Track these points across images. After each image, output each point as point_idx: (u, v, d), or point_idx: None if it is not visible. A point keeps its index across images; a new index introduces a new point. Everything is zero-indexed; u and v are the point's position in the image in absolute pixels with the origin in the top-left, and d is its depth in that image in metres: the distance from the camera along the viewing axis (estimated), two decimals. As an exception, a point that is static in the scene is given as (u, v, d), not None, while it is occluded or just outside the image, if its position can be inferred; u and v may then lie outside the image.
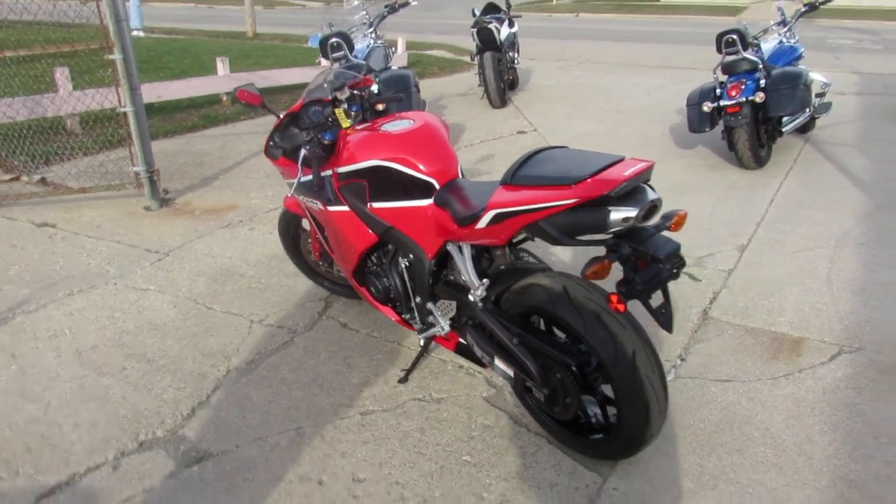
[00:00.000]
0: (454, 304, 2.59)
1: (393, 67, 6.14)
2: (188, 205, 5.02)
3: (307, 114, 2.93)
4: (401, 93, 4.96)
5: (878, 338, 3.10)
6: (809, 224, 4.42)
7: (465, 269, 2.42)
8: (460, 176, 2.56)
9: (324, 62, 5.61)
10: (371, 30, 6.31)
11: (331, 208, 2.78)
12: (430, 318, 2.68)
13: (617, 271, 2.00)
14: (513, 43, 8.53)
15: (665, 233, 2.04)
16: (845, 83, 8.83)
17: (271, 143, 3.01)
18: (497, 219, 2.15)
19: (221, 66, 7.84)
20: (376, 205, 2.60)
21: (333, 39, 5.15)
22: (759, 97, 5.23)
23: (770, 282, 3.66)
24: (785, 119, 5.61)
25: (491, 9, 8.47)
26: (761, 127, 5.59)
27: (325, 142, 2.72)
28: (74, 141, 6.31)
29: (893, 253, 3.96)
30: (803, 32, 6.26)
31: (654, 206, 1.96)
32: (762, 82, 5.33)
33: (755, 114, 5.40)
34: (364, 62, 5.32)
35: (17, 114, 5.68)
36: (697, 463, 2.39)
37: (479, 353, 2.49)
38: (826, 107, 6.06)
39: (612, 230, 1.95)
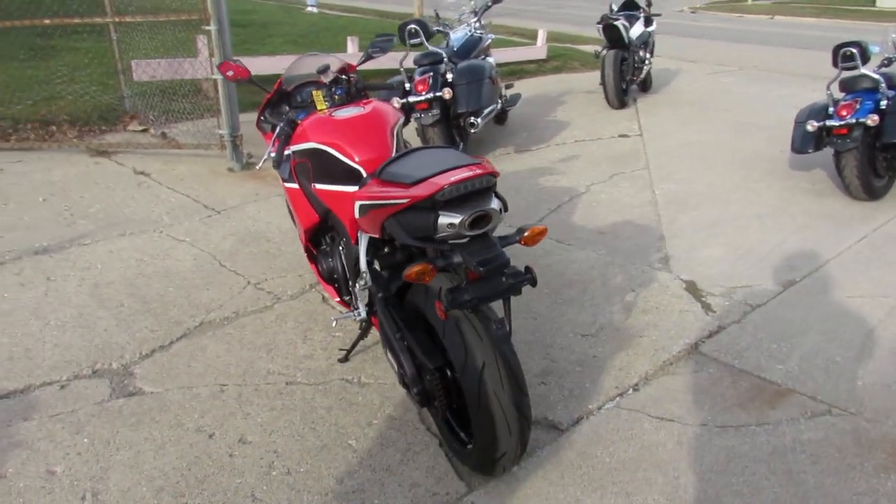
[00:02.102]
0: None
1: (488, 59, 6.12)
2: (266, 170, 5.40)
3: (300, 93, 3.08)
4: (472, 83, 4.99)
5: (889, 406, 2.70)
6: (889, 269, 3.87)
7: (360, 257, 2.45)
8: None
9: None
10: (475, 19, 6.34)
11: (286, 184, 2.92)
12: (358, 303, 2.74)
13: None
14: (646, 42, 8.12)
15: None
16: None
17: (262, 117, 3.19)
18: (363, 210, 2.16)
19: (351, 44, 8.23)
20: (318, 186, 2.69)
21: (411, 26, 5.26)
22: (873, 120, 4.60)
23: (794, 325, 3.28)
24: None
25: (628, 5, 8.12)
26: (880, 154, 4.93)
27: (297, 122, 2.85)
28: (206, 103, 6.98)
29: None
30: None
31: (483, 216, 1.88)
32: (882, 104, 4.69)
33: (869, 138, 4.76)
34: (440, 50, 5.37)
35: (160, 73, 6.40)
36: (575, 496, 2.26)
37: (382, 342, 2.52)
38: None
39: (441, 235, 1.90)
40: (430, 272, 1.90)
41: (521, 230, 2.00)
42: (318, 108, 2.94)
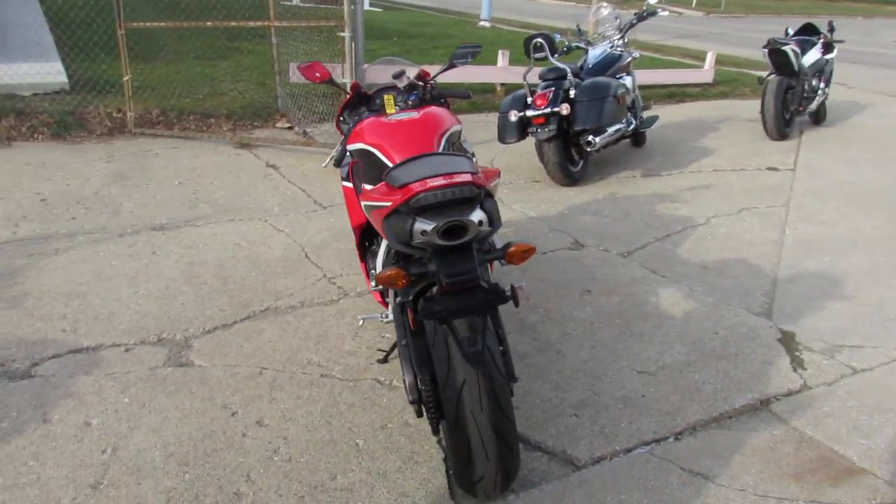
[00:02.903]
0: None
1: (624, 78, 5.88)
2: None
3: (379, 97, 3.15)
4: (594, 100, 4.83)
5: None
6: None
7: (378, 258, 2.44)
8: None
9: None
10: (619, 35, 6.12)
11: (343, 183, 2.98)
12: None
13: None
14: (821, 70, 7.40)
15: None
16: None
17: (340, 118, 3.30)
18: (367, 212, 2.15)
19: (502, 58, 8.30)
20: (366, 186, 2.73)
21: (536, 40, 5.17)
22: (565, 108, 4.98)
23: (899, 397, 2.83)
24: None
25: (807, 29, 7.46)
26: (574, 140, 5.26)
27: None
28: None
29: None
30: None
31: (458, 226, 1.79)
32: (571, 93, 5.13)
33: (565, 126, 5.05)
34: (564, 66, 5.23)
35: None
36: (565, 539, 2.10)
37: None
38: None
39: (416, 242, 1.84)
40: (402, 278, 1.84)
41: (507, 245, 1.90)
42: (388, 111, 2.99)
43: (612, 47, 6.03)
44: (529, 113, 5.08)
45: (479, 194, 1.81)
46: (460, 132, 2.82)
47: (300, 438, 2.48)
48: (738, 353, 3.12)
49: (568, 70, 5.17)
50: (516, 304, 1.93)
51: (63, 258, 3.77)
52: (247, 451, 2.40)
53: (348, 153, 2.87)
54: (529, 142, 5.42)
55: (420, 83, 3.12)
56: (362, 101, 3.22)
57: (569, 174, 5.32)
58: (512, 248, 1.88)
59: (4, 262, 3.69)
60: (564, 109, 4.97)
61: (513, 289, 1.91)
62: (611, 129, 5.36)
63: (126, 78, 6.35)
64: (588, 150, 5.23)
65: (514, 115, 5.08)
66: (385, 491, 2.25)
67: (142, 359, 2.91)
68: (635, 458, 2.44)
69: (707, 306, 3.54)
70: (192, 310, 3.31)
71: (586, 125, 5.04)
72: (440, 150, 2.56)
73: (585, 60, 5.96)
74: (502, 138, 5.23)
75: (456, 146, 2.78)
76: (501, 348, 2.21)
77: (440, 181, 1.79)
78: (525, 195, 5.19)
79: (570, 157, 5.39)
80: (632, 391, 2.81)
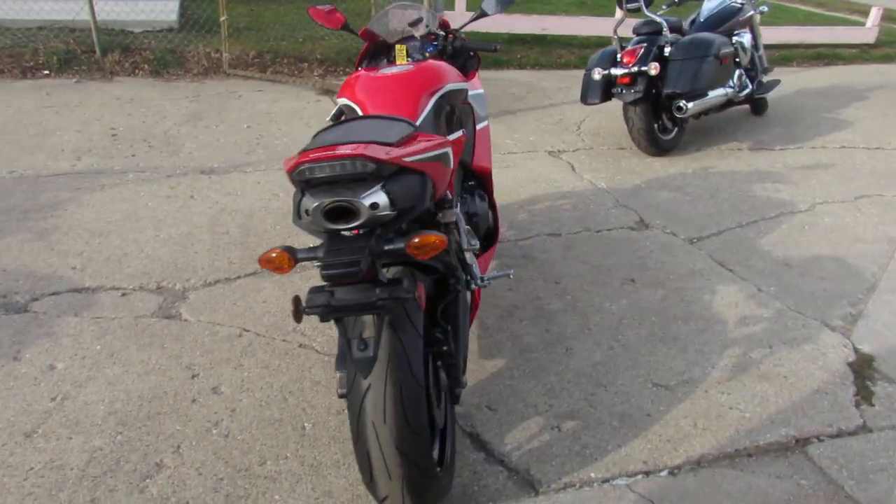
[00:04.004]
0: None
1: (741, 35, 5.13)
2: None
3: (394, 47, 2.84)
4: (689, 60, 4.25)
5: None
6: None
7: None
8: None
9: (618, 13, 5.02)
10: (742, -14, 5.33)
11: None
12: None
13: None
14: None
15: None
16: None
17: (358, 69, 3.01)
18: None
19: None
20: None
21: (632, -13, 4.56)
22: (655, 68, 4.35)
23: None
24: None
25: None
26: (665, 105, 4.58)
27: None
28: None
29: None
30: None
31: (345, 208, 1.47)
32: (666, 51, 4.50)
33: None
34: (660, 20, 4.59)
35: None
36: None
37: None
38: None
39: (304, 221, 1.55)
40: (287, 261, 1.56)
41: (411, 235, 1.56)
42: (398, 61, 2.67)
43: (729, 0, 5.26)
44: (615, 71, 4.54)
45: (377, 171, 1.47)
46: (464, 91, 2.46)
47: (248, 413, 2.31)
48: (788, 374, 2.60)
49: (664, 24, 4.55)
50: (420, 307, 1.61)
51: (105, 194, 3.81)
52: (189, 419, 2.27)
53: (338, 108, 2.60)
54: (618, 104, 4.88)
55: (441, 33, 2.76)
56: (381, 50, 2.91)
57: (656, 142, 4.74)
58: (415, 240, 1.54)
59: (51, 193, 3.79)
60: (653, 69, 4.39)
61: (420, 288, 1.58)
62: (711, 95, 4.70)
63: (222, 18, 6.38)
64: (678, 116, 4.61)
65: (597, 73, 4.57)
66: (310, 487, 2.03)
67: (133, 306, 2.86)
68: (609, 490, 2.06)
69: (772, 312, 2.99)
70: (203, 259, 3.22)
71: (677, 88, 4.43)
72: (426, 110, 2.22)
73: (699, 13, 5.26)
74: (584, 98, 4.73)
75: (457, 107, 2.42)
76: (446, 348, 1.91)
77: (320, 152, 1.48)
78: (601, 163, 4.69)
79: (661, 123, 4.80)
80: (636, 407, 2.40)
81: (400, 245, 1.54)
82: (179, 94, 5.79)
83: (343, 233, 1.54)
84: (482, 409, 2.36)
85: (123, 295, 2.93)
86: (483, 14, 2.86)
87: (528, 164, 4.62)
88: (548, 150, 4.92)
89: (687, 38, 4.59)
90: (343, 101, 2.38)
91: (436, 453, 1.98)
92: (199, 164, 4.29)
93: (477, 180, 2.65)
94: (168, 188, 3.94)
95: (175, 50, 6.66)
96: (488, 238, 2.72)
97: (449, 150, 1.79)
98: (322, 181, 1.48)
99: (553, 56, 7.69)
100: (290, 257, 1.53)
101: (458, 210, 2.03)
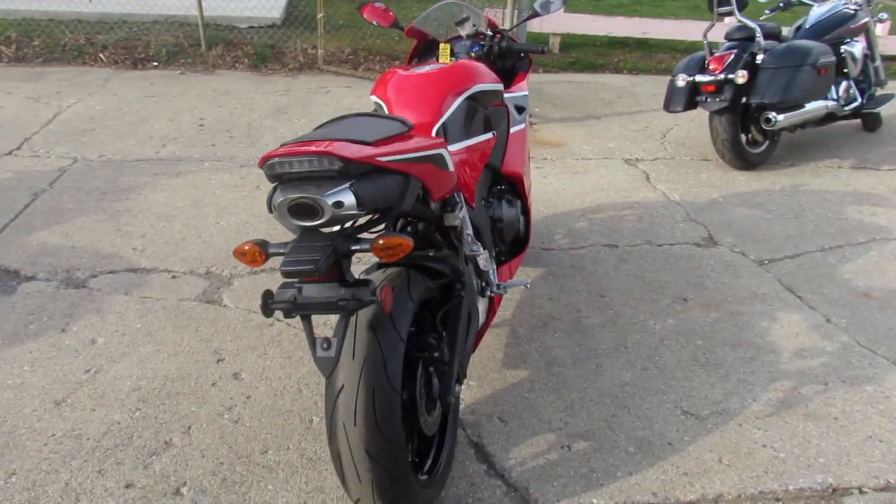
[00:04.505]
0: None
1: (852, 44, 4.74)
2: (534, 132, 5.17)
3: (454, 45, 2.82)
4: (783, 68, 3.99)
5: None
6: None
7: None
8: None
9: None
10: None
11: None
12: None
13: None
14: None
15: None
16: None
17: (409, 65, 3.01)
18: None
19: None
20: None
21: (724, -10, 4.28)
22: (742, 76, 4.10)
23: None
24: None
25: None
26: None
27: None
28: (540, 59, 6.96)
29: None
30: None
31: (303, 204, 1.45)
32: (759, 58, 4.15)
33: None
34: (753, 24, 4.29)
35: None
36: None
37: None
38: None
39: (275, 215, 1.54)
40: (258, 255, 1.55)
41: (377, 236, 1.52)
42: (440, 60, 2.65)
43: (844, 4, 4.86)
44: (699, 78, 4.31)
45: (344, 170, 1.44)
46: (497, 93, 2.39)
47: (261, 402, 2.35)
48: (840, 416, 2.36)
49: (758, 29, 4.26)
50: (385, 310, 1.56)
51: (178, 181, 4.01)
52: (205, 401, 2.33)
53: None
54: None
55: (489, 33, 2.70)
56: (431, 48, 2.89)
57: (742, 155, 4.46)
58: (380, 241, 1.50)
59: (131, 178, 4.02)
60: (741, 77, 4.12)
61: (386, 292, 1.54)
62: (808, 107, 4.37)
63: (320, 15, 6.57)
64: (767, 128, 4.31)
65: (681, 80, 4.34)
66: (304, 480, 2.04)
67: (180, 288, 2.98)
68: (608, 520, 1.94)
69: (836, 346, 2.74)
70: (254, 248, 3.31)
71: (765, 98, 4.14)
72: (450, 110, 2.18)
73: (805, 20, 4.91)
74: (666, 105, 4.52)
75: (488, 109, 2.36)
76: (437, 355, 1.86)
77: (292, 148, 1.47)
78: (680, 174, 4.46)
79: (750, 135, 4.51)
80: (658, 434, 2.25)
81: (366, 246, 1.50)
82: (271, 87, 6.01)
83: (319, 230, 1.52)
84: (493, 420, 2.29)
85: (174, 277, 3.06)
86: (535, 14, 2.77)
87: (599, 171, 4.46)
88: (625, 158, 4.73)
89: (782, 45, 4.28)
90: (374, 97, 2.37)
91: (428, 461, 1.94)
92: (272, 155, 4.43)
93: (509, 185, 2.57)
94: (238, 178, 4.09)
95: (274, 45, 6.93)
96: (519, 245, 2.64)
97: (443, 151, 1.74)
98: (290, 177, 1.47)
99: (653, 61, 7.42)
100: (262, 251, 1.54)
101: (464, 214, 1.97)
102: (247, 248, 1.53)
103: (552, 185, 4.20)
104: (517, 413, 2.32)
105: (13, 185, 3.84)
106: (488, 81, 2.34)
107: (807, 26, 4.82)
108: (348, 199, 1.45)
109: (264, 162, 1.46)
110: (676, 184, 4.31)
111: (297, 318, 1.62)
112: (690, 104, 4.40)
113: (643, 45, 7.87)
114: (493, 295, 2.28)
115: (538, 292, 3.03)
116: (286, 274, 1.43)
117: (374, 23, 2.94)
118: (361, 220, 1.59)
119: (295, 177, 1.46)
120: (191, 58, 6.63)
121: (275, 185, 1.51)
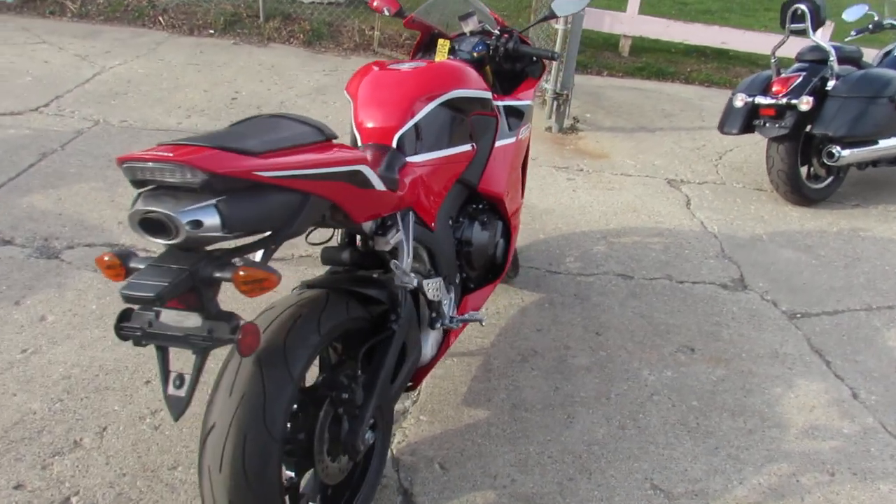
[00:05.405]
0: None
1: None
2: (578, 139, 4.85)
3: (459, 42, 2.57)
4: (853, 99, 3.55)
5: None
6: None
7: None
8: (393, 146, 1.92)
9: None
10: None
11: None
12: None
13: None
14: None
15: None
16: None
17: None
18: None
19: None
20: (351, 142, 2.22)
21: (798, 6, 3.80)
22: (806, 102, 3.66)
23: None
24: None
25: None
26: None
27: None
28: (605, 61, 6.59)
29: None
30: None
31: (153, 220, 1.22)
32: (830, 84, 3.71)
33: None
34: (828, 47, 3.81)
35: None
36: None
37: None
38: None
39: (130, 224, 1.32)
40: (118, 269, 1.34)
41: (239, 267, 1.28)
42: (436, 57, 2.39)
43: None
44: (759, 100, 3.88)
45: (207, 184, 1.21)
46: (483, 101, 2.12)
47: (189, 410, 2.16)
48: (840, 518, 2.00)
49: (832, 52, 3.80)
50: (242, 353, 1.33)
51: (189, 155, 3.88)
52: (131, 401, 2.18)
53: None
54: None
55: (495, 32, 2.42)
56: (436, 43, 2.63)
57: (799, 189, 4.01)
58: (241, 272, 1.26)
59: (143, 146, 3.92)
60: (805, 104, 3.68)
61: (247, 331, 1.31)
62: (882, 144, 3.88)
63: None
64: (829, 163, 3.85)
65: (740, 100, 3.93)
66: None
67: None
68: None
69: (856, 429, 2.36)
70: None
71: (829, 130, 3.69)
72: (419, 114, 1.93)
73: (895, 46, 4.40)
74: (721, 126, 4.11)
75: (469, 117, 2.09)
76: (346, 396, 1.63)
77: (155, 151, 1.24)
78: (726, 202, 4.06)
79: (811, 168, 4.06)
80: (614, 511, 1.95)
81: (226, 275, 1.28)
82: (319, 66, 5.86)
83: (182, 250, 1.30)
84: (432, 466, 2.04)
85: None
86: (552, 15, 2.48)
87: (636, 190, 4.10)
88: (668, 178, 4.35)
89: (859, 72, 3.81)
90: (346, 94, 2.14)
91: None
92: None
93: (487, 204, 2.29)
94: (250, 158, 3.93)
95: (332, 23, 6.78)
96: (495, 271, 2.36)
97: (362, 168, 1.49)
98: (152, 184, 1.25)
99: (730, 74, 6.91)
100: (122, 264, 1.33)
101: (398, 238, 1.72)
102: (107, 258, 1.33)
103: (578, 201, 3.88)
104: (462, 461, 2.07)
105: (25, 144, 3.80)
106: (472, 87, 2.06)
107: (895, 54, 4.30)
108: (210, 218, 1.22)
109: (122, 162, 1.24)
110: (719, 213, 3.92)
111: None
112: (747, 127, 3.98)
113: (722, 55, 7.34)
114: (443, 328, 2.03)
115: (527, 321, 2.75)
116: (124, 298, 1.22)
117: (385, 11, 2.70)
118: (241, 242, 1.36)
119: (158, 185, 1.24)
120: (247, 28, 6.55)
121: (138, 191, 1.30)
